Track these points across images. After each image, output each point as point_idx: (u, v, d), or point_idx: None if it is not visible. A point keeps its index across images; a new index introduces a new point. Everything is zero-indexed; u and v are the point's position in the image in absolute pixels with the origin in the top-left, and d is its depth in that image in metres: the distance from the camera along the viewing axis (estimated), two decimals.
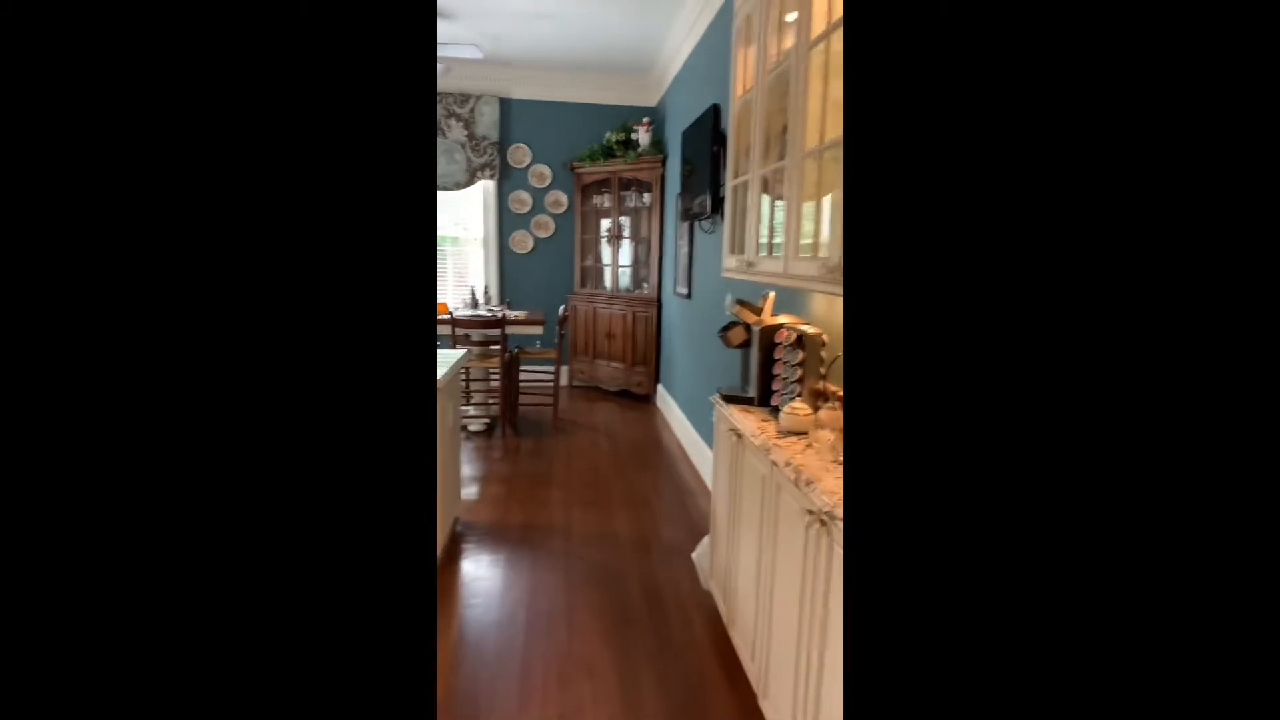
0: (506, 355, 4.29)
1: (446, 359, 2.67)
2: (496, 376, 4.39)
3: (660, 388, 5.19)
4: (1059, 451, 0.59)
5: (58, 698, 0.57)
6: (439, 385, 2.36)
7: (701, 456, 3.60)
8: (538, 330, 4.30)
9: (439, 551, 2.58)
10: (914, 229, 0.62)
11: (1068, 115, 0.57)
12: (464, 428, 4.45)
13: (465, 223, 5.71)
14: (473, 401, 4.58)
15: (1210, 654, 0.56)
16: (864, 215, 0.64)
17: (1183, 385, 0.56)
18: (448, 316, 4.12)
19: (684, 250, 4.24)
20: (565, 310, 4.65)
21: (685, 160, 4.07)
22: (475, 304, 4.47)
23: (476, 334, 4.36)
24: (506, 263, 5.78)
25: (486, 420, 4.47)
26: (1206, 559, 0.56)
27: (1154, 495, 0.57)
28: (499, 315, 4.22)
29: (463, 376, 4.73)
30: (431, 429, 0.69)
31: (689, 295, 4.12)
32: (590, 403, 5.37)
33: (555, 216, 5.75)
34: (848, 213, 0.68)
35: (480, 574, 2.57)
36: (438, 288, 5.79)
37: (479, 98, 5.47)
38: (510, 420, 4.57)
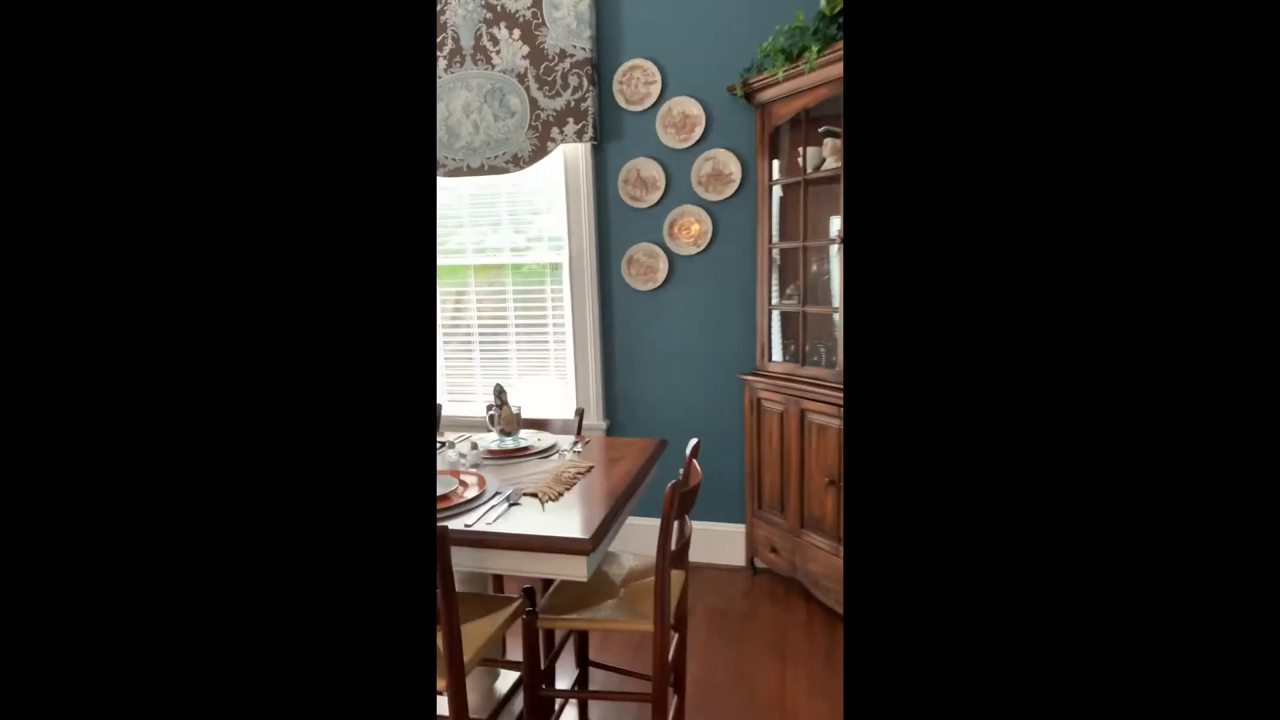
0: (526, 616, 1.32)
1: None
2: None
3: None
4: (1065, 460, 0.57)
5: (56, 698, 0.57)
6: None
7: None
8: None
9: None
10: (919, 228, 0.60)
11: (1073, 117, 0.56)
12: None
13: (529, 235, 2.88)
14: None
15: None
16: (867, 214, 0.61)
17: (1189, 398, 0.55)
18: None
19: None
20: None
21: None
22: (502, 436, 1.56)
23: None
24: (615, 313, 2.83)
25: None
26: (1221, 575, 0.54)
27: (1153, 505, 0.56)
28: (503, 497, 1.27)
29: None
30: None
31: None
32: (782, 652, 2.15)
33: (714, 206, 2.67)
34: (848, 213, 0.62)
35: None
36: (442, 388, 3.06)
37: None
38: None
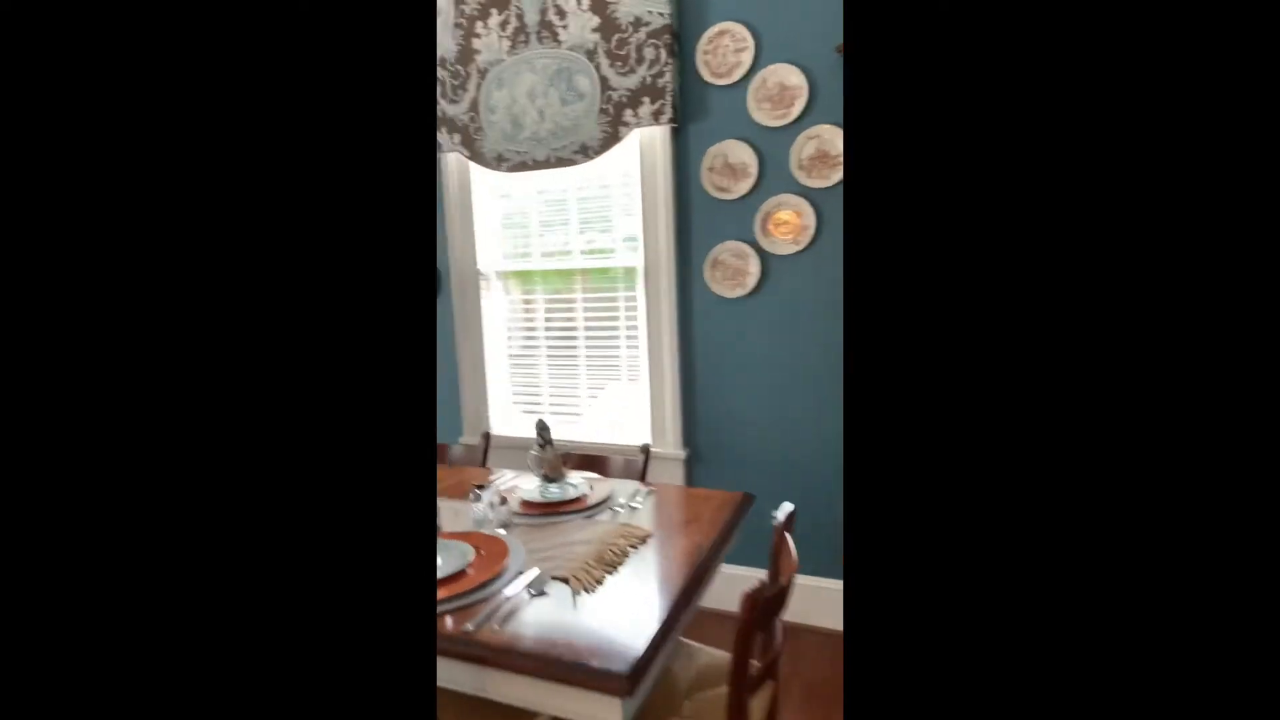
0: None
1: None
2: None
3: None
4: (1072, 460, 0.54)
5: (54, 699, 0.55)
6: None
7: None
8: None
9: None
10: (922, 222, 0.58)
11: (1075, 111, 0.54)
12: None
13: (603, 235, 2.51)
14: None
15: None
16: (868, 210, 0.59)
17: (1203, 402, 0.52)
18: None
19: None
20: None
21: None
22: (549, 482, 1.21)
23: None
24: (695, 324, 2.41)
25: None
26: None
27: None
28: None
29: None
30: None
31: None
32: None
33: (818, 194, 2.20)
34: (848, 210, 0.60)
35: None
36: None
37: None
38: None
